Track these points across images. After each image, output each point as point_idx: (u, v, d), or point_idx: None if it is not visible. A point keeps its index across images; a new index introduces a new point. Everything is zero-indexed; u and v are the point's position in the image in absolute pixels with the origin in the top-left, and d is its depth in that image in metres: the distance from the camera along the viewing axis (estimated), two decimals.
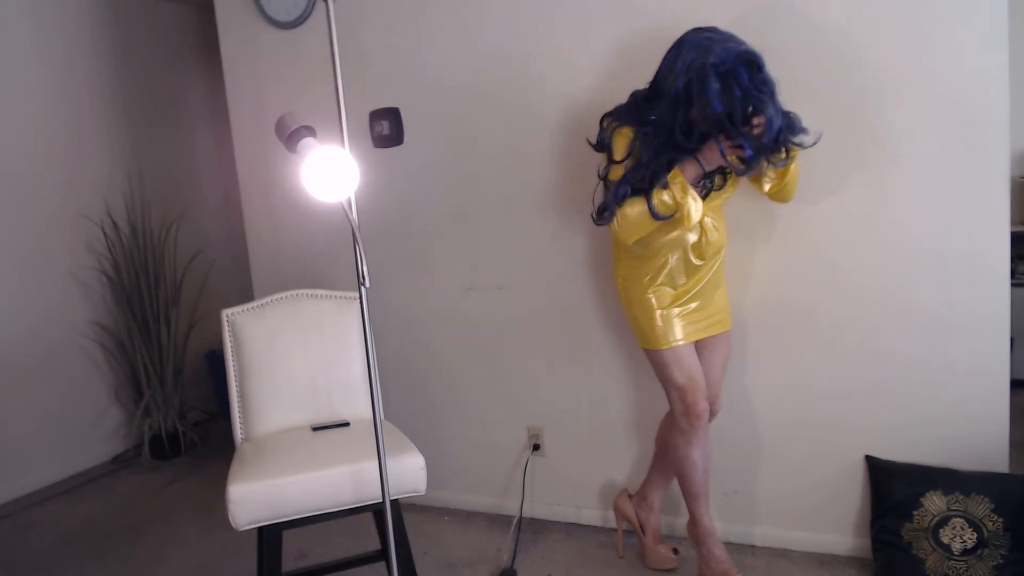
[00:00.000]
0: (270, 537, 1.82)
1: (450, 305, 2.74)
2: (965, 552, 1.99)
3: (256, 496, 1.76)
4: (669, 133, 1.87)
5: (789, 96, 2.12)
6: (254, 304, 2.19)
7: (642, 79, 2.00)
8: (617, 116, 2.00)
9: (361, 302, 1.59)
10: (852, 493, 2.26)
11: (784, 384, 2.29)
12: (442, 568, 2.43)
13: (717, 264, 2.10)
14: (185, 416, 3.74)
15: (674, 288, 2.06)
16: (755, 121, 1.78)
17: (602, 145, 2.02)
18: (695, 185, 1.94)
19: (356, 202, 1.57)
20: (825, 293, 2.20)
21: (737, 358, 2.30)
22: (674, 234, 2.00)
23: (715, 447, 2.23)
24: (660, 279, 2.05)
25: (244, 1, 2.89)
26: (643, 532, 2.35)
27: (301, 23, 2.80)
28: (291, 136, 1.56)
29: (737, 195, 2.13)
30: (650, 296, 2.05)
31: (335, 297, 2.24)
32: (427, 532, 2.68)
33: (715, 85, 1.73)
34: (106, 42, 3.74)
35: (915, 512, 2.07)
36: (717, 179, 2.00)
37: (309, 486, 1.79)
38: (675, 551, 2.32)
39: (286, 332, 2.16)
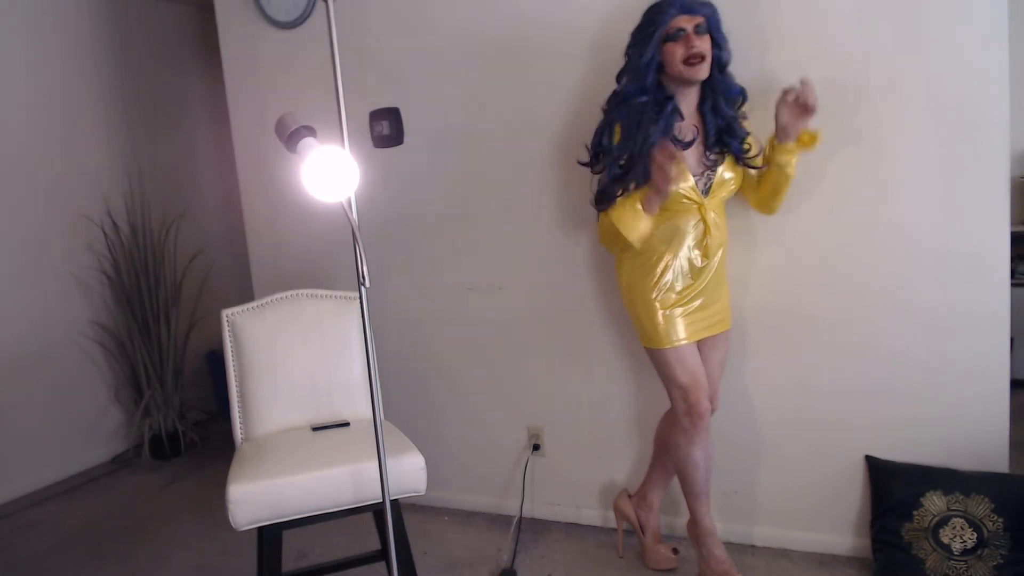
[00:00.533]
0: (270, 537, 1.82)
1: (450, 305, 2.74)
2: (965, 552, 1.99)
3: (256, 496, 1.76)
4: (639, 94, 1.95)
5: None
6: (254, 304, 2.19)
7: None
8: (604, 122, 2.06)
9: (361, 302, 1.59)
10: (852, 493, 2.26)
11: (784, 384, 2.29)
12: (442, 568, 2.43)
13: (718, 262, 2.10)
14: (185, 416, 3.73)
15: (678, 288, 2.06)
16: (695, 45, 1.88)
17: (598, 149, 2.08)
18: (697, 174, 1.99)
19: (356, 202, 1.57)
20: (825, 293, 2.20)
21: (737, 358, 2.30)
22: (672, 223, 2.02)
23: (715, 447, 2.23)
24: (664, 279, 2.05)
25: (244, 1, 2.89)
26: (643, 532, 2.35)
27: (301, 23, 2.80)
28: (291, 136, 1.56)
29: (737, 195, 2.13)
30: (653, 296, 2.05)
31: (335, 297, 2.24)
32: (427, 532, 2.68)
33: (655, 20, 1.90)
34: (106, 42, 3.74)
35: (915, 512, 2.07)
36: (719, 170, 2.01)
37: (309, 486, 1.79)
38: (675, 551, 2.32)
39: (286, 332, 2.16)
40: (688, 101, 2.00)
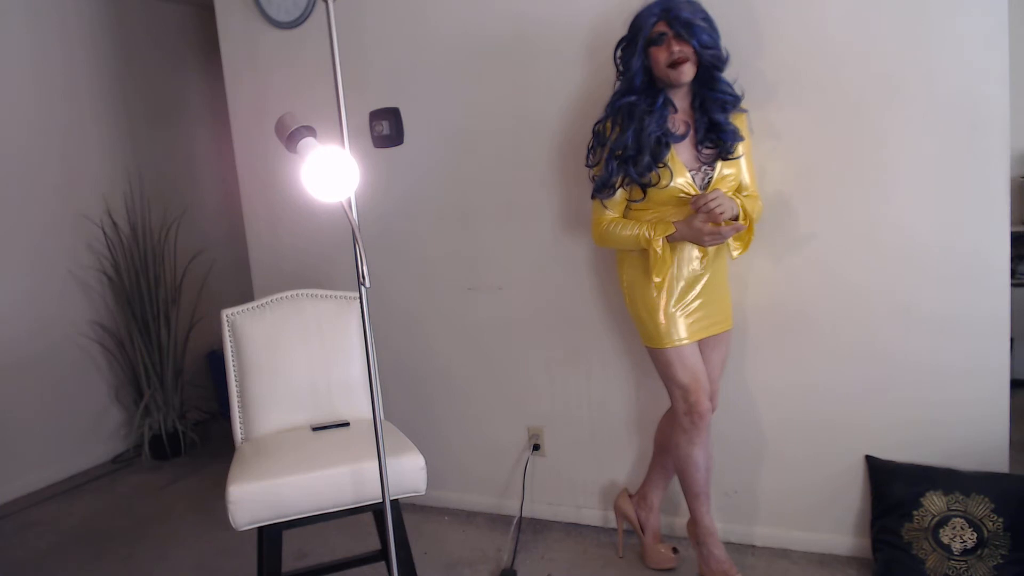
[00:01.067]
0: (270, 537, 1.82)
1: (450, 305, 2.74)
2: (965, 552, 1.99)
3: (256, 496, 1.76)
4: (631, 92, 1.99)
5: (789, 96, 2.14)
6: (254, 304, 2.19)
7: None
8: (601, 119, 2.09)
9: (361, 302, 1.59)
10: (852, 493, 2.26)
11: (784, 384, 2.29)
12: (442, 568, 2.43)
13: (719, 261, 2.10)
14: (185, 416, 3.73)
15: (679, 286, 2.06)
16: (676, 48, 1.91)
17: (595, 146, 2.10)
18: (694, 170, 2.01)
19: (356, 202, 1.57)
20: (825, 293, 2.20)
21: (737, 358, 2.30)
22: (672, 219, 2.02)
23: (715, 447, 2.23)
24: (665, 276, 2.05)
25: (244, 1, 2.89)
26: (643, 532, 2.35)
27: (301, 23, 2.80)
28: (291, 136, 1.56)
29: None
30: (654, 295, 2.05)
31: (335, 297, 2.24)
32: (427, 532, 2.68)
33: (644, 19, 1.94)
34: (106, 42, 3.74)
35: (915, 512, 2.07)
36: (718, 165, 2.01)
37: (309, 486, 1.79)
38: (675, 551, 2.32)
39: (286, 332, 2.16)
40: (680, 97, 2.03)
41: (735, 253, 2.08)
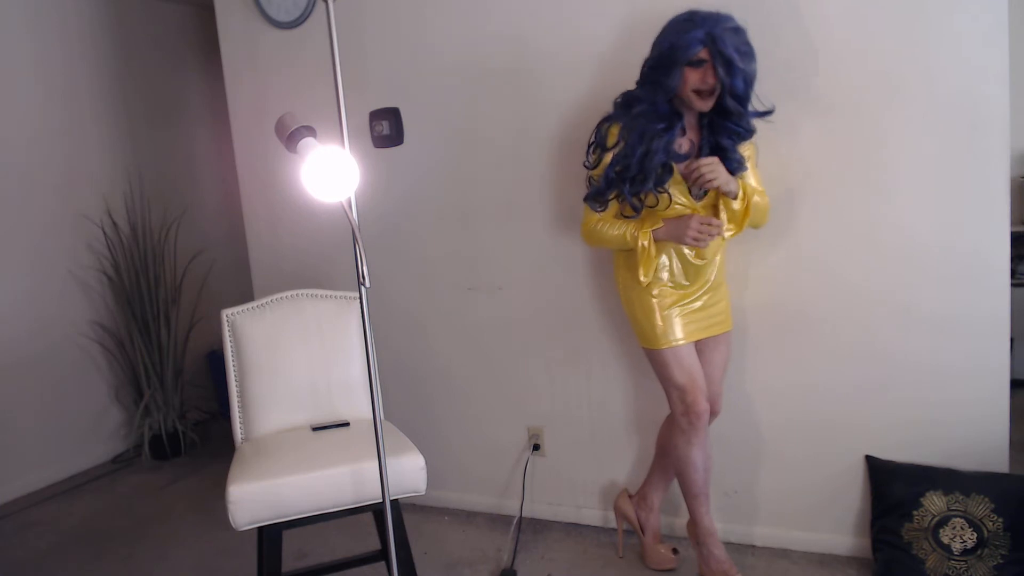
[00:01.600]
0: (270, 537, 1.82)
1: (450, 305, 2.74)
2: (965, 552, 1.99)
3: (256, 496, 1.76)
4: (651, 110, 1.93)
5: (789, 96, 2.13)
6: (254, 304, 2.19)
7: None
8: (608, 117, 2.05)
9: (361, 302, 1.59)
10: (852, 493, 2.26)
11: (784, 384, 2.29)
12: (442, 568, 2.43)
13: (717, 264, 2.10)
14: (185, 416, 3.73)
15: (676, 289, 2.06)
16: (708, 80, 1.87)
17: (596, 146, 2.06)
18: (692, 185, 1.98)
19: (356, 202, 1.57)
20: (825, 293, 2.20)
21: (737, 358, 2.30)
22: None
23: (715, 447, 2.23)
24: (660, 277, 2.05)
25: (244, 1, 2.89)
26: (643, 532, 2.35)
27: (301, 23, 2.80)
28: (291, 136, 1.56)
29: None
30: (651, 296, 2.05)
31: (335, 297, 2.24)
32: (427, 532, 2.68)
33: (680, 41, 1.86)
34: (106, 42, 3.74)
35: (915, 512, 2.07)
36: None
37: (309, 486, 1.79)
38: (675, 551, 2.32)
39: (286, 332, 2.16)
40: (691, 114, 2.00)
41: (727, 233, 2.04)
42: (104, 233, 3.61)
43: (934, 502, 2.05)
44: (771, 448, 2.34)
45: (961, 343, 2.08)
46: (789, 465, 2.33)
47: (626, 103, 2.01)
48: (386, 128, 2.70)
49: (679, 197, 1.99)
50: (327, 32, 1.58)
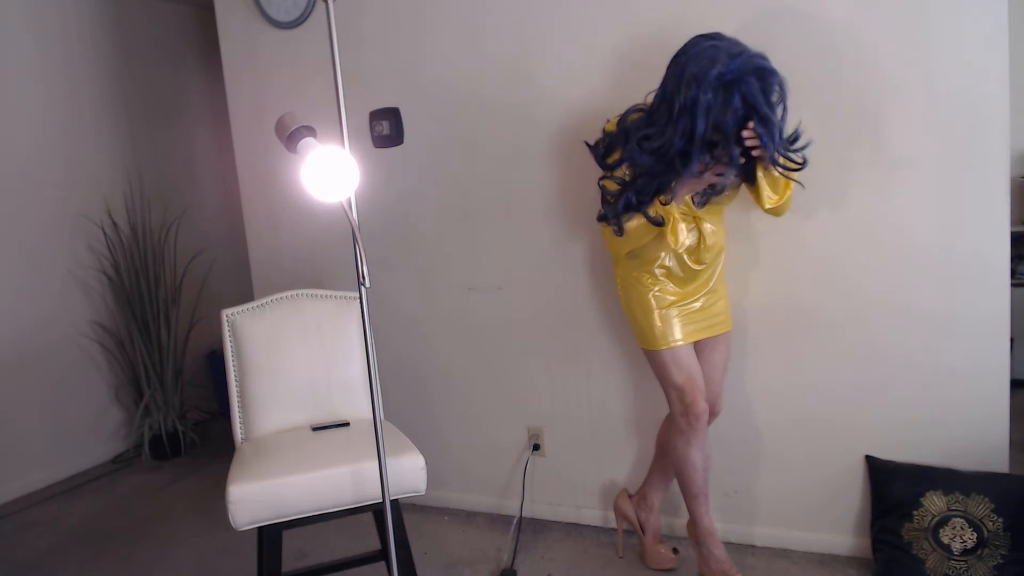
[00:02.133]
0: (270, 537, 1.82)
1: (450, 305, 2.74)
2: (965, 552, 1.99)
3: (256, 496, 1.76)
4: (666, 150, 1.81)
5: (790, 97, 2.13)
6: (254, 304, 2.19)
7: (642, 80, 2.00)
8: (615, 137, 1.96)
9: (361, 302, 1.59)
10: (852, 493, 2.26)
11: (784, 384, 2.29)
12: (442, 568, 2.43)
13: (718, 267, 2.10)
14: (185, 416, 3.73)
15: (675, 290, 2.06)
16: (746, 133, 1.73)
17: (603, 148, 2.02)
18: (696, 197, 1.97)
19: (356, 202, 1.57)
20: (825, 293, 2.20)
21: (737, 358, 2.30)
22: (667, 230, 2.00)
23: (715, 447, 2.23)
24: (659, 279, 2.05)
25: (244, 1, 2.89)
26: (643, 532, 2.35)
27: (301, 23, 2.80)
28: (291, 136, 1.56)
29: (738, 195, 2.12)
30: (649, 297, 2.05)
31: (335, 297, 2.24)
32: (427, 532, 2.68)
33: (710, 96, 1.70)
34: (106, 42, 3.74)
35: (915, 512, 2.07)
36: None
37: (309, 486, 1.79)
38: (675, 551, 2.32)
39: (286, 332, 2.16)
40: None
41: (767, 203, 1.90)
42: (104, 233, 3.61)
43: (934, 502, 2.05)
44: (771, 448, 2.34)
45: (961, 343, 2.08)
46: (789, 465, 2.33)
47: (636, 128, 1.89)
48: (386, 128, 2.70)
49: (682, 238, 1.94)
50: (327, 32, 1.58)
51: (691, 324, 2.07)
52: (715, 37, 1.78)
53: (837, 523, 2.29)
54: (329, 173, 1.47)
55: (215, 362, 4.13)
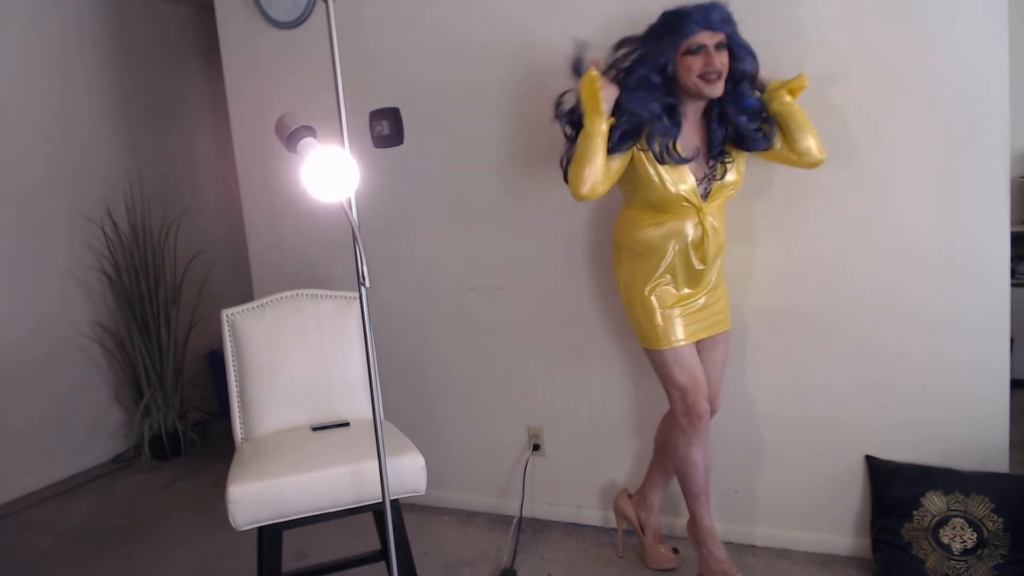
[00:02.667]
0: (270, 537, 1.82)
1: (450, 305, 2.74)
2: (965, 552, 1.99)
3: (256, 496, 1.76)
4: (645, 80, 1.90)
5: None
6: (254, 304, 2.19)
7: None
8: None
9: (361, 302, 1.59)
10: (852, 493, 2.26)
11: (784, 384, 2.29)
12: (442, 568, 2.43)
13: (718, 264, 2.10)
14: (185, 416, 3.73)
15: (677, 290, 2.06)
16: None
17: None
18: (700, 177, 1.98)
19: (356, 202, 1.57)
20: (825, 293, 2.20)
21: (737, 358, 2.30)
22: (670, 225, 2.01)
23: (715, 447, 2.23)
24: (661, 278, 2.04)
25: (244, 1, 2.89)
26: (643, 532, 2.35)
27: (301, 23, 2.80)
28: (291, 136, 1.56)
29: (738, 195, 2.13)
30: (651, 296, 2.05)
31: (335, 297, 2.24)
32: (427, 532, 2.68)
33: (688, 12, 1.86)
34: (106, 42, 3.74)
35: (915, 512, 2.07)
36: (719, 168, 2.00)
37: (309, 486, 1.79)
38: (675, 551, 2.32)
39: (286, 332, 2.16)
40: (694, 110, 1.99)
41: (787, 97, 1.96)
42: (104, 233, 3.60)
43: (934, 502, 2.05)
44: (771, 448, 2.34)
45: (961, 343, 2.08)
46: (789, 465, 2.33)
47: (616, 77, 1.97)
48: (386, 128, 2.70)
49: (681, 184, 1.95)
50: (327, 32, 1.58)
51: (693, 324, 2.07)
52: (682, 7, 1.90)
53: (837, 523, 2.29)
54: (329, 173, 1.48)
55: (215, 362, 4.13)
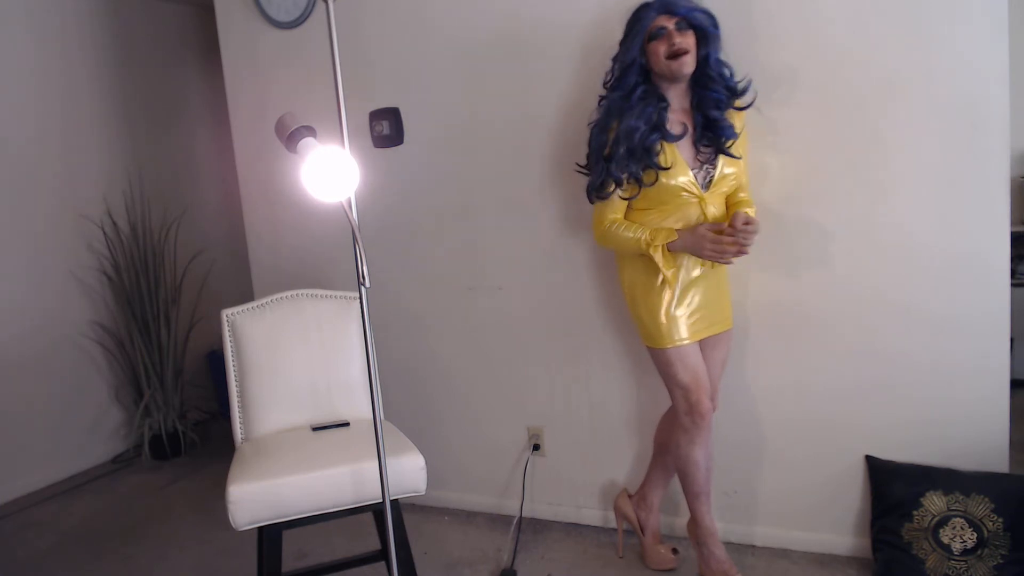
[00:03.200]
0: (270, 537, 1.82)
1: (450, 305, 2.74)
2: (965, 552, 1.99)
3: (256, 496, 1.76)
4: (624, 93, 1.98)
5: (790, 97, 2.14)
6: (254, 304, 2.19)
7: None
8: (594, 121, 2.09)
9: (361, 302, 1.59)
10: (852, 493, 2.25)
11: (784, 384, 2.29)
12: (442, 568, 2.43)
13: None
14: (185, 416, 3.74)
15: (680, 286, 2.06)
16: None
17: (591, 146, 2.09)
18: (696, 157, 2.02)
19: (356, 202, 1.57)
20: (825, 293, 2.20)
21: (737, 358, 2.30)
22: (674, 218, 2.03)
23: (715, 447, 2.23)
24: (667, 279, 2.04)
25: (244, 1, 2.89)
26: (643, 532, 2.35)
27: (301, 23, 2.80)
28: (291, 136, 1.56)
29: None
30: (656, 297, 2.05)
31: (335, 297, 2.24)
32: (427, 532, 2.68)
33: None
34: (106, 42, 3.74)
35: (915, 512, 2.07)
36: (719, 164, 2.01)
37: (309, 486, 1.79)
38: (675, 551, 2.32)
39: (286, 332, 2.16)
40: (679, 97, 2.02)
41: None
42: (104, 233, 3.61)
43: (934, 502, 2.05)
44: (771, 448, 2.34)
45: (961, 343, 2.08)
46: (789, 465, 2.33)
47: (603, 101, 2.07)
48: (386, 128, 2.70)
49: (680, 177, 1.98)
50: (327, 32, 1.58)
51: (696, 323, 2.07)
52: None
53: (837, 523, 2.29)
54: (329, 173, 1.48)
55: (215, 362, 4.14)
